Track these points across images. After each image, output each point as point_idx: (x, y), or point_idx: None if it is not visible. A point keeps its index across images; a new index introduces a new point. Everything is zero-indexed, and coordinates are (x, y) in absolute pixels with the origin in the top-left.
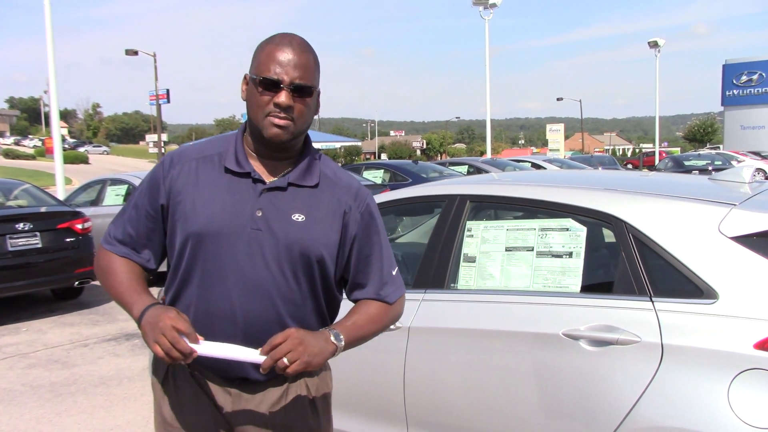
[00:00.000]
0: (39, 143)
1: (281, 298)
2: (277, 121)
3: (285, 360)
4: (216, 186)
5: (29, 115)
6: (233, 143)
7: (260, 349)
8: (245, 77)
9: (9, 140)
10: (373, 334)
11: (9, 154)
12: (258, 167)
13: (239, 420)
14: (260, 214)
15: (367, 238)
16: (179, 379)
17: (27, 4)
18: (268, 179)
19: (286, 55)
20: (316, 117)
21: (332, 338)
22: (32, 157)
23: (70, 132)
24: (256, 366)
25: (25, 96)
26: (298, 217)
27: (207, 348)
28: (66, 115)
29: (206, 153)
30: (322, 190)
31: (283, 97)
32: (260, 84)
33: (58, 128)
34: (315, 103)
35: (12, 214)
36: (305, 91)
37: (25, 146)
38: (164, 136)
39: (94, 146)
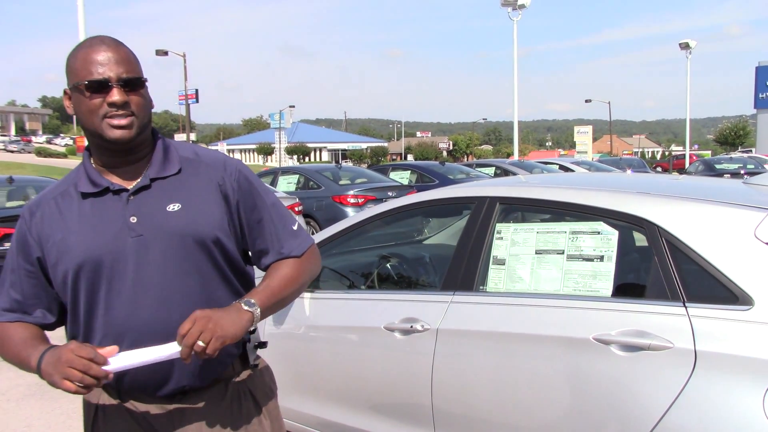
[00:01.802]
0: (70, 142)
1: (192, 294)
2: (117, 121)
3: (200, 342)
4: (81, 214)
5: (61, 114)
6: (83, 168)
7: (174, 342)
8: (66, 92)
9: (41, 139)
10: (293, 293)
11: (41, 153)
12: (116, 179)
13: None
14: (135, 220)
15: (251, 204)
16: (109, 416)
17: (59, 4)
18: (130, 185)
19: (103, 54)
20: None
21: (244, 306)
22: (64, 156)
23: None
24: (186, 371)
25: (57, 95)
26: (173, 207)
27: (121, 361)
28: None
29: (62, 189)
30: (187, 173)
31: (116, 95)
32: (87, 89)
33: None
34: (148, 94)
35: None
36: (136, 84)
37: (56, 144)
38: (193, 136)
39: None
